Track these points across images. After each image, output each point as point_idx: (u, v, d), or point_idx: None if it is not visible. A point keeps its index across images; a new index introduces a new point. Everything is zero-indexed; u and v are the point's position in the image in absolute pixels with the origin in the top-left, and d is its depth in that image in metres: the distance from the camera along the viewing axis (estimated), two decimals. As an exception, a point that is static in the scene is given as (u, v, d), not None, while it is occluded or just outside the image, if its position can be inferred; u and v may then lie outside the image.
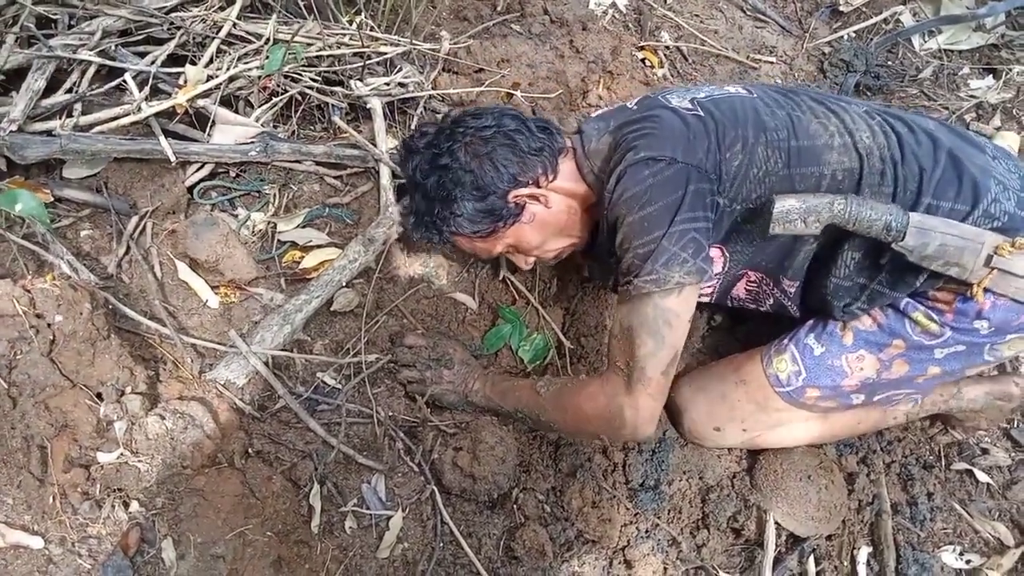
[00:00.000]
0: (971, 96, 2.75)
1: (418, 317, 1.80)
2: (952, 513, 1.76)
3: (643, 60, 2.48)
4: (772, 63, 2.77)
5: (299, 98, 1.79)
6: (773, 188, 1.41)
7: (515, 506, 1.62)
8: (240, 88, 1.73)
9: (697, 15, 2.82)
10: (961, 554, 1.69)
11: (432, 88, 1.92)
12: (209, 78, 1.66)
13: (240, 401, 1.49)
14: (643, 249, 1.37)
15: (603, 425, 1.50)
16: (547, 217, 1.56)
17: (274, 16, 1.76)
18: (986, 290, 1.38)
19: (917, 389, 1.58)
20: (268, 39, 1.73)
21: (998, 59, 2.88)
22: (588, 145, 1.55)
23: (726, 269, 1.58)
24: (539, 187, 1.53)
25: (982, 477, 1.82)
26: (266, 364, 1.54)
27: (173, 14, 1.72)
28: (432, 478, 1.59)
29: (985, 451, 1.88)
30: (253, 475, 1.39)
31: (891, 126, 1.45)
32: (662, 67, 2.51)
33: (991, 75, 2.82)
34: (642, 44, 2.55)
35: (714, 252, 1.54)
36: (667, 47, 2.61)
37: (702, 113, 1.44)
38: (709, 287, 1.64)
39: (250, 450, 1.45)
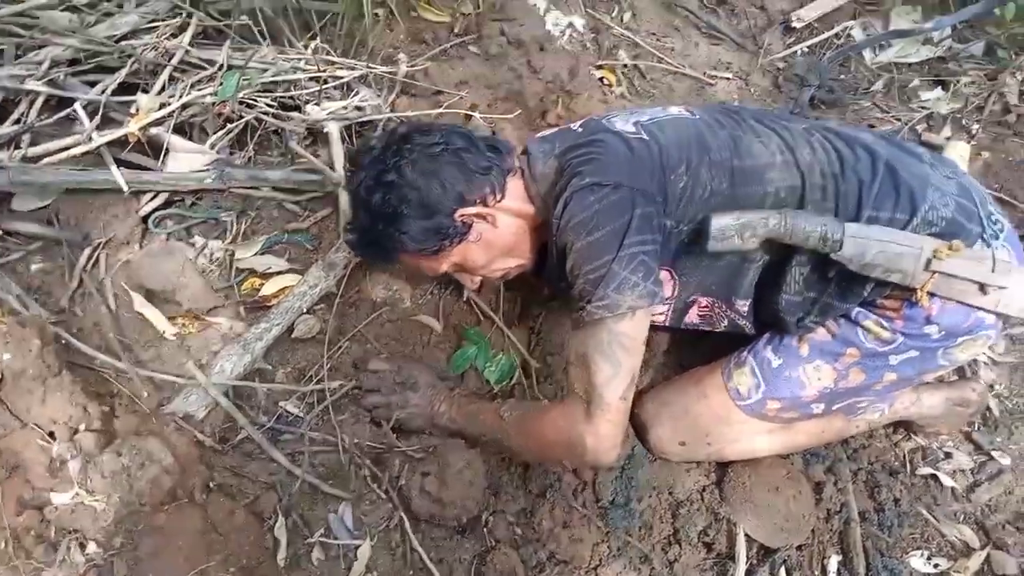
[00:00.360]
0: (922, 107, 2.81)
1: (382, 341, 1.78)
2: (919, 518, 1.77)
3: (601, 79, 2.50)
4: (728, 79, 2.81)
5: (255, 124, 1.78)
6: (718, 208, 1.42)
7: (485, 530, 1.60)
8: (194, 115, 1.71)
9: (654, 33, 2.86)
10: (929, 558, 1.70)
11: (390, 111, 1.92)
12: (162, 106, 1.64)
13: (200, 434, 1.47)
14: (594, 275, 1.36)
15: (565, 452, 1.50)
16: (494, 237, 1.55)
17: (228, 42, 1.75)
18: (932, 295, 1.41)
19: (877, 396, 1.60)
20: (222, 65, 1.71)
21: (946, 71, 2.95)
22: (535, 167, 1.54)
23: (676, 293, 1.58)
24: (486, 206, 1.52)
25: (946, 481, 1.84)
26: (226, 395, 1.51)
27: (123, 42, 1.70)
28: (400, 504, 1.56)
29: (948, 455, 1.90)
30: (215, 509, 1.36)
31: (830, 142, 1.48)
32: (620, 85, 2.54)
33: (940, 87, 2.90)
34: (600, 63, 2.57)
35: (663, 275, 1.54)
36: (625, 66, 2.64)
37: (646, 136, 1.45)
38: (661, 313, 1.65)
39: (211, 484, 1.42)
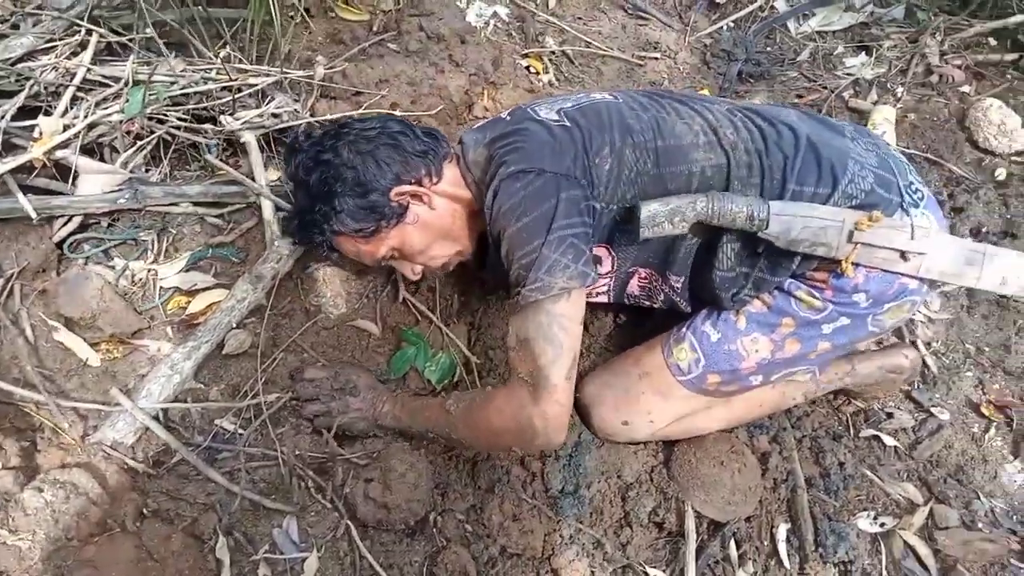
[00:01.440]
0: (847, 74, 2.85)
1: (319, 350, 1.75)
2: (864, 480, 1.80)
3: (527, 67, 2.49)
4: (657, 59, 2.82)
5: (168, 139, 1.73)
6: (646, 188, 1.46)
7: (435, 530, 1.59)
8: (102, 135, 1.66)
9: (580, 18, 2.86)
10: (875, 518, 1.73)
11: (310, 115, 1.88)
12: (66, 128, 1.59)
13: (132, 460, 1.43)
14: (526, 259, 1.38)
15: (514, 437, 1.49)
16: (431, 219, 1.56)
17: (132, 57, 1.70)
18: (856, 265, 1.44)
19: (811, 365, 1.62)
20: (127, 81, 1.66)
21: (869, 36, 3.00)
22: (468, 156, 1.57)
23: (616, 268, 1.61)
24: (422, 187, 1.53)
25: (889, 441, 1.88)
26: (156, 418, 1.47)
27: (20, 65, 1.64)
28: (346, 513, 1.54)
29: (890, 415, 1.94)
30: (150, 536, 1.33)
31: (752, 121, 1.52)
32: (547, 73, 2.53)
33: (864, 52, 2.94)
34: (526, 52, 2.57)
35: (601, 252, 1.58)
36: (552, 52, 2.64)
37: (567, 123, 1.47)
38: (604, 287, 1.67)
39: (145, 510, 1.39)
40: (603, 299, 1.72)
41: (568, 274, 1.37)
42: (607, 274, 1.63)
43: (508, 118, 1.57)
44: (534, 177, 1.39)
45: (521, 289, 1.39)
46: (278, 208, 1.73)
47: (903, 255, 1.44)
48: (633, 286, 1.67)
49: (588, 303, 1.54)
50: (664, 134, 1.48)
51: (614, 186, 1.46)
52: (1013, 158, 2.52)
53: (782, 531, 1.68)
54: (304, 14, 2.15)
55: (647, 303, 1.72)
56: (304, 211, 1.54)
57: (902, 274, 1.47)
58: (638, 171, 1.46)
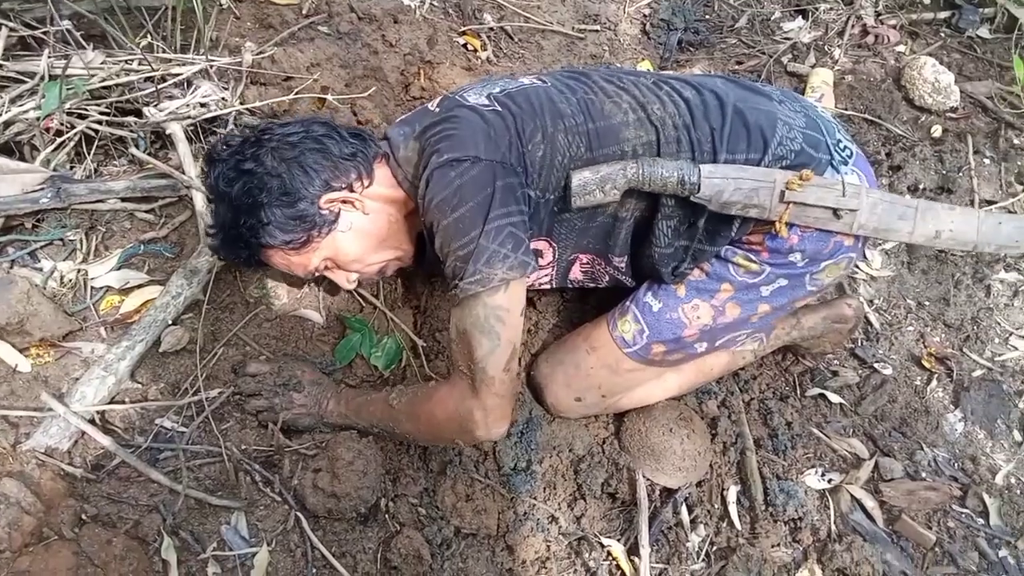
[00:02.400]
0: (785, 38, 2.87)
1: (262, 342, 1.72)
2: (811, 438, 1.83)
3: (465, 45, 2.46)
4: (597, 31, 2.81)
5: (91, 134, 1.68)
6: None
7: (387, 515, 1.58)
8: (20, 133, 1.60)
9: (518, -7, 2.83)
10: (823, 475, 1.77)
11: (240, 103, 1.84)
12: (-20, 127, 1.53)
13: (68, 466, 1.39)
14: (463, 251, 1.35)
15: (456, 430, 1.48)
16: (365, 225, 1.51)
17: (46, 51, 1.64)
18: (790, 225, 1.45)
19: (755, 328, 1.64)
20: (43, 76, 1.61)
21: (806, 0, 3.02)
22: (397, 152, 1.51)
23: (557, 257, 1.60)
24: (353, 191, 1.48)
25: (834, 398, 1.91)
26: (92, 422, 1.44)
27: (-75, 63, 1.58)
28: (295, 504, 1.53)
29: (835, 373, 1.98)
30: (89, 542, 1.30)
31: (679, 93, 1.50)
32: (485, 50, 2.50)
33: (801, 16, 2.96)
34: (463, 29, 2.53)
35: (541, 244, 1.56)
36: (490, 29, 2.61)
37: (499, 108, 1.43)
38: (547, 275, 1.66)
39: (84, 516, 1.35)
40: (546, 286, 1.71)
41: (508, 264, 1.34)
42: (548, 264, 1.62)
43: (436, 108, 1.52)
44: (469, 165, 1.35)
45: (459, 282, 1.36)
46: (210, 199, 1.69)
47: (835, 212, 1.45)
48: (576, 272, 1.67)
49: (531, 290, 1.54)
50: (594, 116, 1.46)
51: (548, 173, 1.44)
52: (948, 115, 2.56)
53: (732, 493, 1.71)
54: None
55: (591, 285, 1.73)
56: (228, 225, 1.46)
57: (836, 232, 1.49)
58: (571, 156, 1.44)
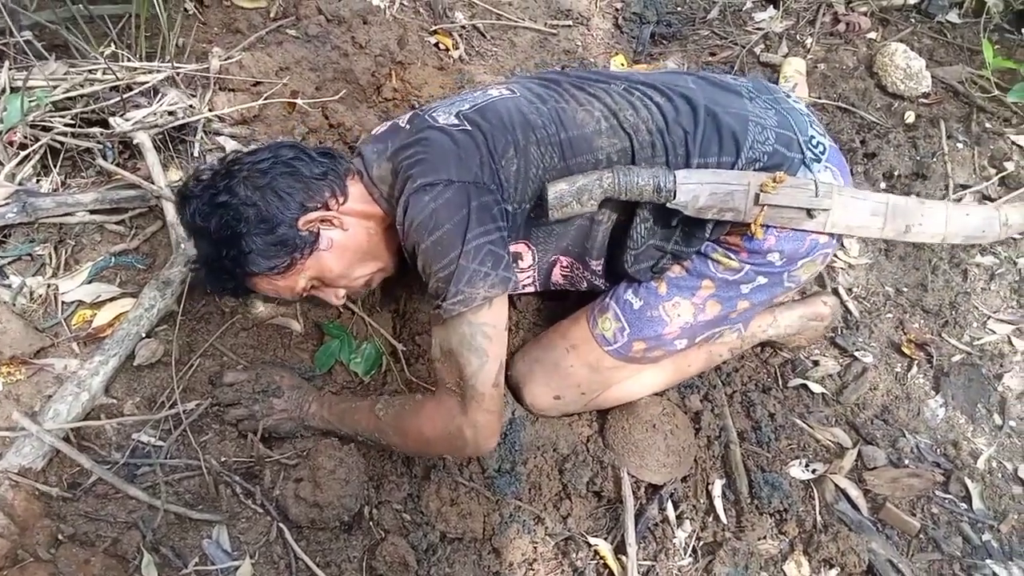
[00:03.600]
0: (757, 29, 2.87)
1: (239, 352, 1.70)
2: (794, 429, 1.84)
3: (436, 44, 2.45)
4: (570, 26, 2.80)
5: (56, 146, 1.65)
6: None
7: (371, 523, 1.56)
8: (-18, 147, 1.57)
9: (489, -10, 2.81)
10: (807, 465, 1.77)
11: (208, 110, 1.81)
12: (-60, 142, 1.50)
13: (43, 485, 1.37)
14: (443, 272, 1.35)
15: (445, 446, 1.49)
16: (346, 241, 1.50)
17: (7, 63, 1.61)
18: (766, 226, 1.45)
19: (734, 324, 1.64)
20: (3, 89, 1.57)
21: (776, -11, 3.02)
22: (371, 171, 1.51)
23: (537, 260, 1.60)
24: (329, 210, 1.47)
25: (816, 388, 1.91)
26: (66, 439, 1.41)
27: None
28: (278, 515, 1.51)
29: (816, 363, 1.98)
30: (67, 563, 1.28)
31: (650, 98, 1.49)
32: (457, 48, 2.48)
33: (772, 6, 2.96)
34: (434, 28, 2.51)
35: (520, 247, 1.56)
36: (462, 27, 2.59)
37: (469, 127, 1.42)
38: (528, 278, 1.66)
39: (61, 536, 1.33)
40: (529, 290, 1.71)
41: (489, 282, 1.35)
42: (529, 267, 1.62)
43: (407, 126, 1.52)
44: (442, 188, 1.35)
45: (442, 303, 1.37)
46: (181, 209, 1.66)
47: (808, 212, 1.45)
48: (556, 275, 1.67)
49: (513, 294, 1.53)
50: (566, 125, 1.45)
51: (523, 186, 1.44)
52: (920, 100, 2.58)
53: (718, 487, 1.71)
54: (196, 4, 2.06)
55: (572, 289, 1.73)
56: (211, 259, 1.45)
57: (811, 231, 1.49)
58: (545, 167, 1.44)
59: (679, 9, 2.94)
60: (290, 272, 1.47)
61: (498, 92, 1.53)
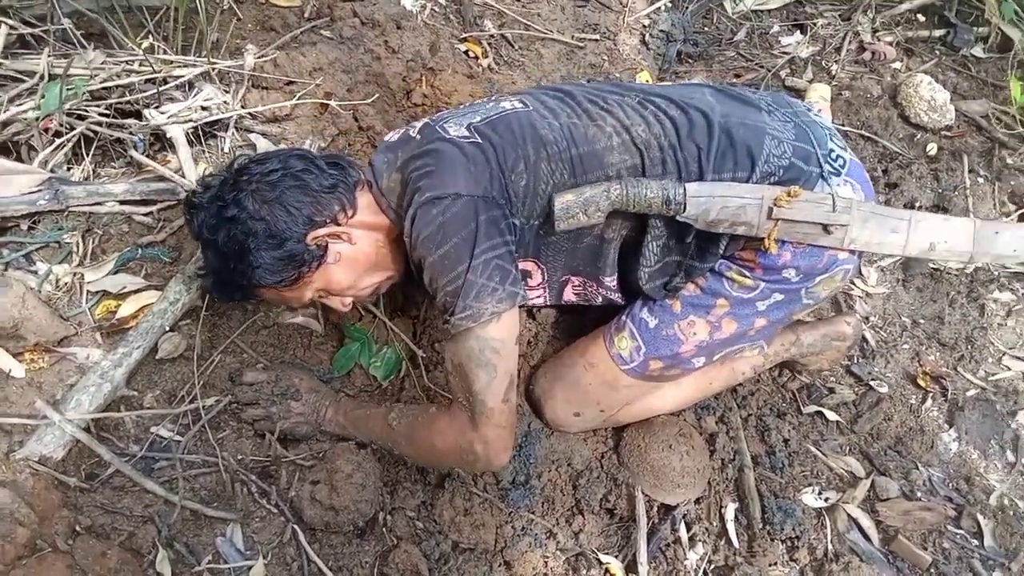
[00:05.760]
0: (783, 53, 2.88)
1: (259, 350, 1.70)
2: (808, 455, 1.84)
3: (466, 52, 2.45)
4: (597, 40, 2.80)
5: (90, 135, 1.65)
6: None
7: (385, 529, 1.56)
8: (18, 133, 1.57)
9: (519, 0, 2.82)
10: (820, 493, 1.77)
11: (241, 107, 1.82)
12: (-23, 127, 1.50)
13: (62, 475, 1.37)
14: (451, 287, 1.35)
15: (456, 460, 1.49)
16: (354, 254, 1.50)
17: (46, 50, 1.61)
18: (781, 241, 1.44)
19: (754, 341, 1.64)
20: (42, 76, 1.58)
21: (803, 14, 3.04)
22: (380, 181, 1.51)
23: (547, 279, 1.60)
24: (338, 224, 1.46)
25: (831, 416, 1.92)
26: (87, 430, 1.41)
27: (-78, 60, 1.54)
28: (292, 516, 1.51)
29: (832, 390, 1.98)
30: (83, 554, 1.28)
31: (664, 112, 1.48)
32: (487, 57, 2.49)
33: (799, 31, 2.97)
34: (464, 36, 2.52)
35: (530, 265, 1.55)
36: (491, 36, 2.60)
37: (479, 140, 1.42)
38: (538, 296, 1.66)
39: (78, 527, 1.33)
40: (539, 302, 1.70)
41: (497, 297, 1.34)
42: (539, 285, 1.61)
43: (418, 136, 1.51)
44: (450, 202, 1.34)
45: (451, 318, 1.36)
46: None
47: (825, 228, 1.42)
48: (568, 294, 1.67)
49: (524, 306, 1.52)
50: (578, 141, 1.44)
51: (531, 201, 1.43)
52: (943, 133, 2.58)
53: (730, 510, 1.71)
54: (232, 1, 2.07)
55: (585, 304, 1.72)
56: (217, 271, 1.45)
57: (829, 247, 1.47)
58: (554, 183, 1.43)
59: (706, 29, 2.95)
60: (297, 285, 1.47)
61: (510, 105, 1.52)
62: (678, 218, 1.39)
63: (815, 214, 1.41)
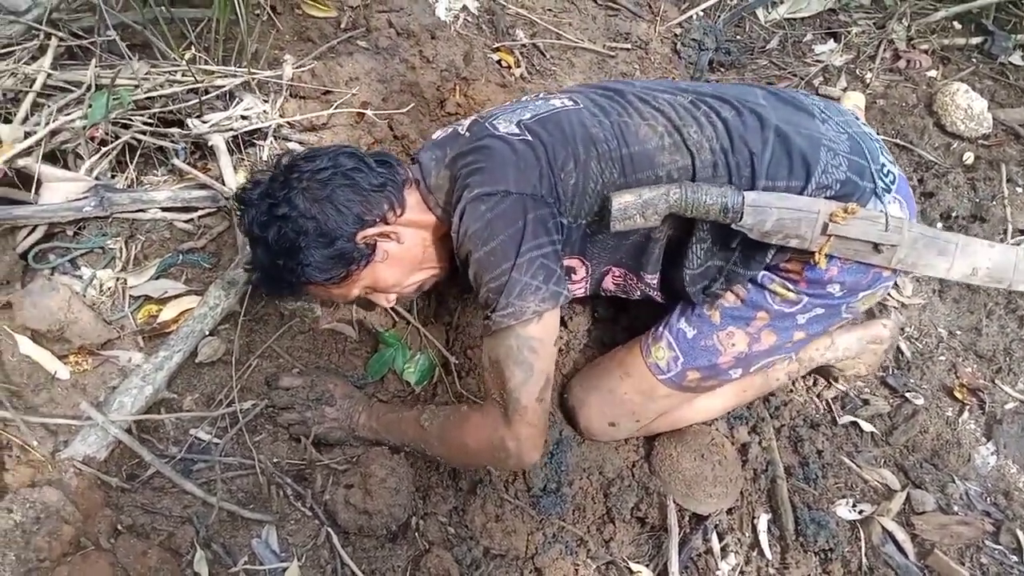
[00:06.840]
0: (817, 61, 2.87)
1: (295, 355, 1.73)
2: (842, 467, 1.82)
3: (499, 61, 2.47)
4: (628, 49, 2.81)
5: (134, 144, 1.69)
6: None
7: (417, 534, 1.58)
8: (65, 141, 1.62)
9: (550, 9, 2.83)
10: (854, 505, 1.75)
11: (279, 116, 1.85)
12: (27, 135, 1.54)
13: (104, 475, 1.40)
14: (495, 283, 1.36)
15: (488, 457, 1.49)
16: (401, 253, 1.51)
17: (93, 61, 1.66)
18: (830, 256, 1.43)
19: (788, 353, 1.63)
20: (90, 86, 1.62)
21: (837, 23, 3.01)
22: (428, 179, 1.52)
23: (591, 272, 1.60)
24: (387, 223, 1.48)
25: (866, 427, 1.90)
26: (128, 431, 1.45)
27: (-24, 71, 1.59)
28: (327, 520, 1.53)
29: (866, 402, 1.96)
30: (125, 553, 1.30)
31: (717, 113, 1.46)
32: (519, 66, 2.50)
33: (832, 39, 2.96)
34: (497, 45, 2.54)
35: (575, 262, 1.56)
36: (523, 45, 2.62)
37: (530, 137, 1.42)
38: (580, 287, 1.66)
39: (120, 526, 1.36)
40: (580, 293, 1.71)
41: (540, 296, 1.35)
42: (581, 279, 1.62)
43: (467, 134, 1.52)
44: (499, 199, 1.35)
45: (492, 314, 1.37)
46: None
47: (876, 247, 1.42)
48: (608, 283, 1.67)
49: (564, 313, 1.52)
50: (629, 140, 1.44)
51: (580, 200, 1.44)
52: (980, 142, 2.55)
53: (763, 521, 1.69)
54: (271, 12, 2.11)
55: (623, 296, 1.72)
56: (266, 267, 1.47)
57: (875, 265, 1.47)
58: (604, 183, 1.43)
59: (738, 37, 2.94)
60: (346, 282, 1.49)
61: (560, 103, 1.52)
62: (733, 226, 1.38)
63: (869, 233, 1.40)
